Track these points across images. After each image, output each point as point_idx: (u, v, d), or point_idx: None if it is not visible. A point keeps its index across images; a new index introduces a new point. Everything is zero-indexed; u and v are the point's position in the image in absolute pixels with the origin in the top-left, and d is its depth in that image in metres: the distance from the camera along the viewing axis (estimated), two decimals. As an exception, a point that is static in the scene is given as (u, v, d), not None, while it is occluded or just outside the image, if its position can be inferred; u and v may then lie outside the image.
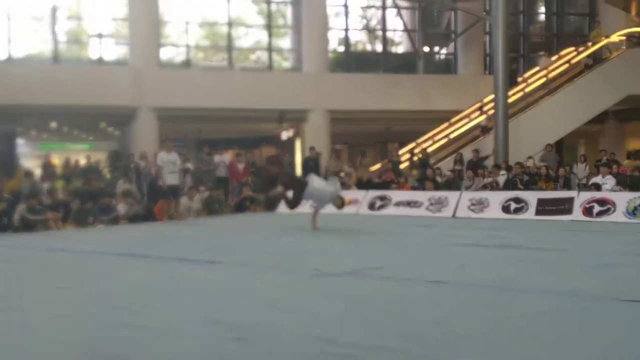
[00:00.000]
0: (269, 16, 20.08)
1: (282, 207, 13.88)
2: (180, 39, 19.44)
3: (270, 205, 13.98)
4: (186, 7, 18.78)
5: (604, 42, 18.12)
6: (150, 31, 17.44)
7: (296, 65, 20.04)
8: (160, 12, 18.33)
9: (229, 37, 19.50)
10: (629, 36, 19.23)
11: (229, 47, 19.55)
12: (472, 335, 3.36)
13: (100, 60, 18.13)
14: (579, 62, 18.29)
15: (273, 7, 20.63)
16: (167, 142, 12.30)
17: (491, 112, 16.22)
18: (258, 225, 10.99)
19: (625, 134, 21.66)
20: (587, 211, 10.51)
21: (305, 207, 13.65)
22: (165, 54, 19.21)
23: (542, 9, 24.19)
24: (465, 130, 17.70)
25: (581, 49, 18.66)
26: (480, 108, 17.78)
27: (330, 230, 9.50)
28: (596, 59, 18.00)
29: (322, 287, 4.91)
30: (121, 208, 11.88)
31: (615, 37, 19.03)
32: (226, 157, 15.12)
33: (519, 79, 18.81)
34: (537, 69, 19.25)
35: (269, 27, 19.97)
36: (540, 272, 5.39)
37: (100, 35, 18.35)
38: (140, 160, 14.47)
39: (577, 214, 10.55)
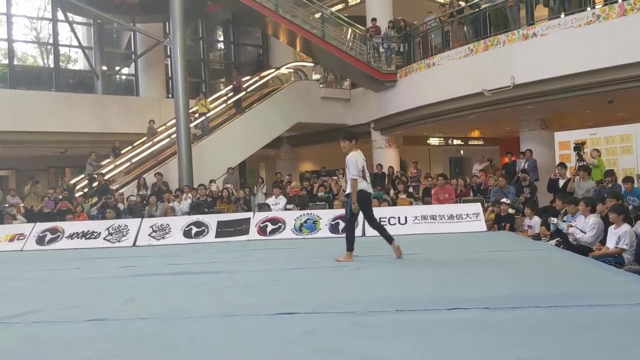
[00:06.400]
0: None
1: None
2: None
3: None
4: None
5: (210, 113, 17.68)
6: None
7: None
8: None
9: None
10: (296, 69, 21.35)
11: None
12: None
13: None
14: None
15: None
16: None
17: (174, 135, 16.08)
18: None
19: (298, 157, 23.96)
20: (262, 230, 11.04)
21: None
22: None
23: (221, 38, 25.30)
24: (148, 154, 17.20)
25: (192, 118, 17.40)
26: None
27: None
28: (205, 129, 17.35)
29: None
30: None
31: (284, 69, 20.92)
32: None
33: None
34: (219, 94, 19.92)
35: None
36: (207, 296, 5.31)
37: None
38: None
39: (253, 233, 11.00)
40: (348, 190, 7.12)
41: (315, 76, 22.08)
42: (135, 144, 17.45)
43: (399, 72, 17.15)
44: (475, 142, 23.19)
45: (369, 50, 17.44)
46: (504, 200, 10.83)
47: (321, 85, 20.73)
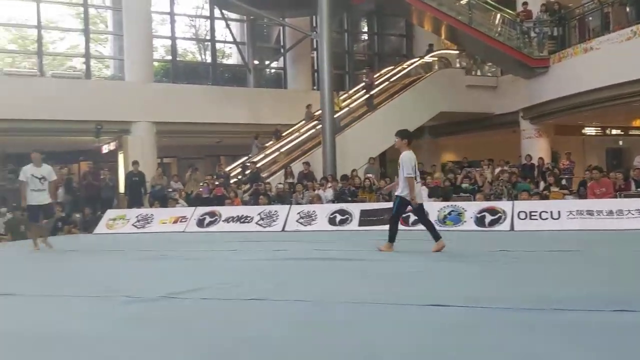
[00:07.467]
0: (87, 20, 18.67)
1: (101, 228, 12.88)
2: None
3: (87, 225, 12.84)
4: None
5: (342, 111, 17.84)
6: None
7: (118, 73, 18.83)
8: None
9: (40, 41, 17.76)
10: (440, 57, 20.94)
11: (40, 52, 17.81)
12: (282, 352, 3.25)
13: None
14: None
15: (92, 11, 19.25)
16: (34, 153, 9.81)
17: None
18: (68, 249, 9.87)
19: (440, 148, 23.53)
20: (404, 220, 10.99)
21: (126, 227, 12.84)
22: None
23: (365, 29, 25.53)
24: (296, 144, 17.92)
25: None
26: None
27: (152, 251, 8.84)
28: (336, 127, 16.81)
29: (132, 314, 4.42)
30: None
31: (427, 58, 20.61)
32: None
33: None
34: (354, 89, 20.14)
35: (86, 32, 18.55)
36: (356, 283, 5.45)
37: None
38: None
39: (396, 223, 11.01)
40: (399, 192, 7.42)
41: (461, 64, 21.46)
42: (294, 128, 18.22)
43: (552, 58, 16.22)
44: (637, 132, 21.22)
45: (518, 36, 16.67)
46: (673, 196, 9.86)
47: (466, 73, 20.17)
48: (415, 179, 7.35)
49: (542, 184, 13.74)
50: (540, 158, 16.23)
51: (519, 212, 10.45)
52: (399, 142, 7.51)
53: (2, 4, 17.48)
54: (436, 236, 7.45)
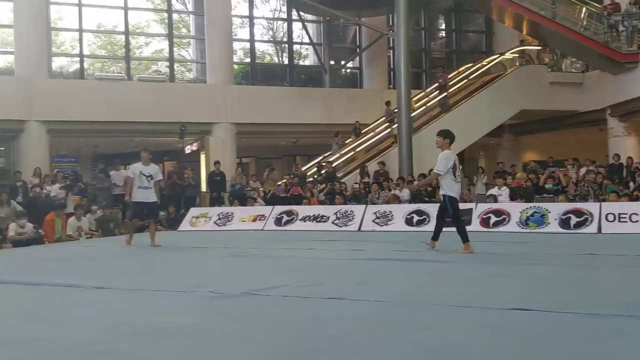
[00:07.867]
0: (171, 25, 19.44)
1: (185, 225, 13.38)
2: (74, 47, 18.38)
3: (172, 223, 13.36)
4: (80, 14, 17.73)
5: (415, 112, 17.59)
6: (39, 38, 16.32)
7: (200, 76, 19.47)
8: (50, 18, 17.22)
9: (127, 46, 18.67)
10: (522, 54, 20.28)
11: (127, 57, 18.72)
12: (363, 352, 3.26)
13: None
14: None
15: (175, 16, 20.02)
16: (143, 152, 9.94)
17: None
18: (155, 246, 10.31)
19: (521, 147, 22.78)
20: (484, 222, 10.79)
21: (208, 224, 13.28)
22: (56, 63, 18.08)
23: (443, 26, 25.09)
24: (371, 144, 17.89)
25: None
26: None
27: (233, 248, 9.10)
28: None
29: (217, 309, 4.59)
30: (11, 229, 10.84)
31: (509, 55, 20.02)
32: (123, 173, 14.33)
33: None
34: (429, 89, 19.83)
35: (170, 36, 19.32)
36: (436, 285, 5.38)
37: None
38: (32, 177, 13.50)
39: (475, 224, 10.79)
40: (442, 191, 7.59)
41: (543, 60, 20.69)
42: (370, 127, 18.22)
43: (643, 52, 15.35)
44: None
45: (605, 30, 15.89)
46: None
47: (549, 70, 19.42)
48: (456, 178, 7.49)
49: (631, 185, 13.03)
50: (630, 157, 15.39)
51: (607, 214, 9.99)
52: (441, 141, 7.63)
53: (92, 12, 18.51)
54: (435, 236, 7.89)
